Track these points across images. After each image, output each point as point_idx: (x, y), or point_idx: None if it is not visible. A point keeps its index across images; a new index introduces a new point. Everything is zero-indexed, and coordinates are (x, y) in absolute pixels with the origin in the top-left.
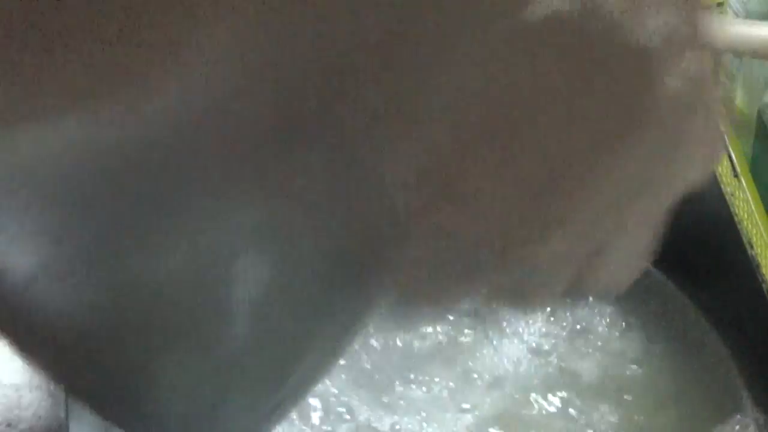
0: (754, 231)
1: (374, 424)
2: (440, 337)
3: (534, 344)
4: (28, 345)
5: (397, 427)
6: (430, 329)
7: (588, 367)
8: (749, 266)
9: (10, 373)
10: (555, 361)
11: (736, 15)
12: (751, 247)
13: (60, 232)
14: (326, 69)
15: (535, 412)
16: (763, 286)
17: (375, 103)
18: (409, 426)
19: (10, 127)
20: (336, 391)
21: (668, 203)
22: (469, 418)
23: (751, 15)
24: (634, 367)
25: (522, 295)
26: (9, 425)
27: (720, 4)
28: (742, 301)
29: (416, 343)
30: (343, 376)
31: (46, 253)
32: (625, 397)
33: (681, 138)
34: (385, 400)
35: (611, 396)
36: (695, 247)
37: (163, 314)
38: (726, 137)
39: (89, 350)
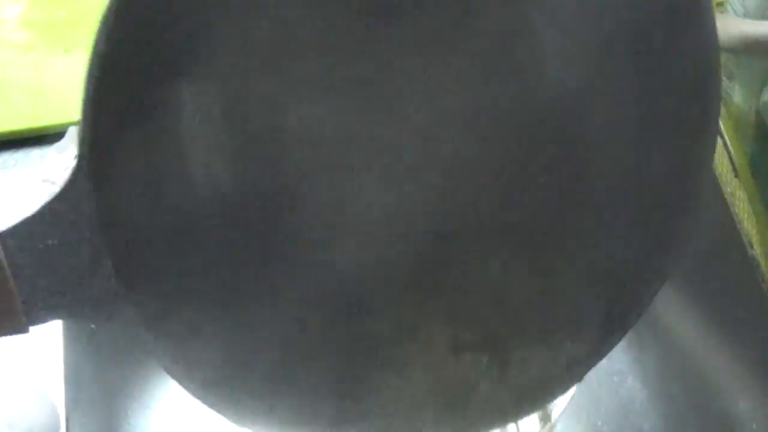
0: (754, 231)
1: None
2: None
3: None
4: None
5: None
6: None
7: None
8: (749, 266)
9: (10, 373)
10: None
11: (736, 14)
12: (751, 247)
13: None
14: None
15: None
16: (763, 286)
17: None
18: None
19: None
20: None
21: None
22: None
23: (750, 14)
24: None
25: None
26: (9, 425)
27: (720, 4)
28: (742, 301)
29: None
30: None
31: None
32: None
33: None
34: None
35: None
36: (695, 247)
37: None
38: (726, 137)
39: None
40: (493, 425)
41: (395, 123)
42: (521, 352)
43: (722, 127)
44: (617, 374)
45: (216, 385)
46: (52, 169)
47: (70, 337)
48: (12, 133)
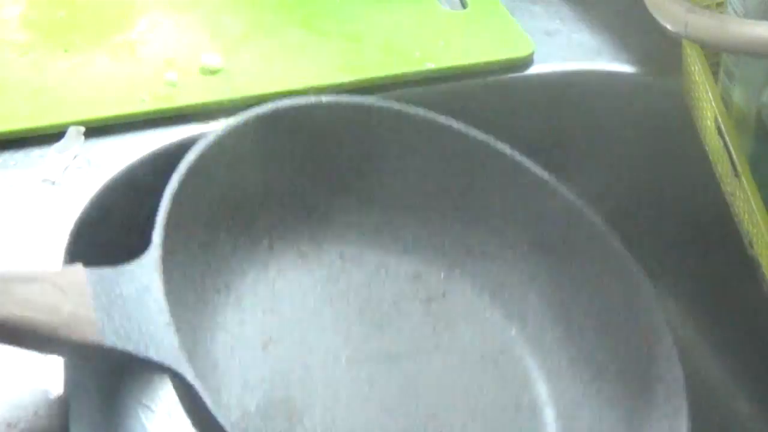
0: (754, 231)
1: None
2: None
3: None
4: None
5: None
6: None
7: None
8: (749, 266)
9: (10, 372)
10: None
11: (736, 14)
12: (751, 247)
13: None
14: None
15: None
16: (764, 286)
17: None
18: None
19: None
20: None
21: None
22: None
23: (750, 14)
24: None
25: None
26: (9, 425)
27: (720, 4)
28: (742, 301)
29: None
30: None
31: None
32: None
33: None
34: None
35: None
36: (695, 247)
37: None
38: (726, 137)
39: None
40: None
41: None
42: None
43: (722, 127)
44: None
45: None
46: (52, 169)
47: None
48: (12, 133)
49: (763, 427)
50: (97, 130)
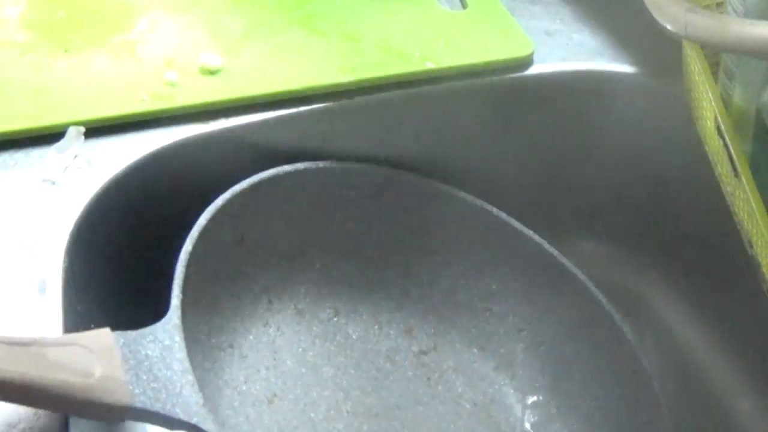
0: (754, 231)
1: None
2: None
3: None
4: None
5: None
6: None
7: None
8: (749, 266)
9: None
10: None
11: (736, 14)
12: (751, 247)
13: None
14: None
15: None
16: (763, 286)
17: None
18: None
19: None
20: None
21: None
22: None
23: (750, 14)
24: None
25: None
26: (9, 425)
27: (720, 4)
28: (742, 301)
29: None
30: None
31: None
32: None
33: None
34: None
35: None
36: (695, 247)
37: None
38: (726, 137)
39: None
40: None
41: None
42: None
43: (722, 127)
44: None
45: None
46: (51, 169)
47: None
48: (12, 133)
49: (764, 426)
50: (97, 130)
